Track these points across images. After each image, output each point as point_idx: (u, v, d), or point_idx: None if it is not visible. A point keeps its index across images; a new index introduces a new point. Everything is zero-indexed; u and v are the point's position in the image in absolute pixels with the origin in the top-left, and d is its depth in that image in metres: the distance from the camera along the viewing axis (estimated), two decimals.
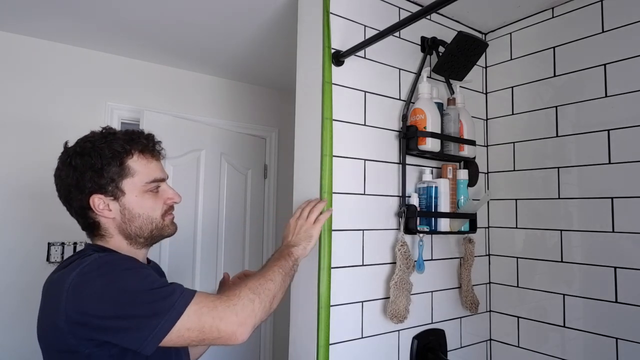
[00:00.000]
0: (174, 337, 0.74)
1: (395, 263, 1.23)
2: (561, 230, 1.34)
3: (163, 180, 0.92)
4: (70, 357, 0.77)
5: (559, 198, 1.35)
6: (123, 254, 0.86)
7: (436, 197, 1.29)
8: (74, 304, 0.74)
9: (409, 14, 1.24)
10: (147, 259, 1.00)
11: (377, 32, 1.18)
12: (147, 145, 0.89)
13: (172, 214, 0.95)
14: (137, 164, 0.87)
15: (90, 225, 0.88)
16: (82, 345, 0.75)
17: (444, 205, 1.30)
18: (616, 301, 1.20)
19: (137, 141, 0.88)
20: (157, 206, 0.90)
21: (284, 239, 1.07)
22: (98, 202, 0.85)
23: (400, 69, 1.34)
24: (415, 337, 1.30)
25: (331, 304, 1.13)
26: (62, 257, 1.91)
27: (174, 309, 0.75)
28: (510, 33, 1.52)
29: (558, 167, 1.35)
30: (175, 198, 0.93)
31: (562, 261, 1.33)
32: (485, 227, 1.55)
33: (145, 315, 0.73)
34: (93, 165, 0.83)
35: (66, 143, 0.89)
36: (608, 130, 1.24)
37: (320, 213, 1.09)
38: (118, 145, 0.85)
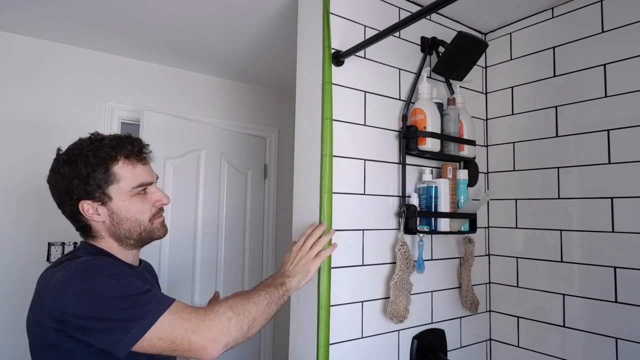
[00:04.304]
0: (145, 344, 0.76)
1: (395, 263, 1.23)
2: (561, 230, 1.34)
3: (150, 183, 0.93)
4: (52, 352, 0.80)
5: (558, 198, 1.35)
6: (110, 259, 0.87)
7: (436, 197, 1.29)
8: (56, 301, 0.77)
9: (409, 14, 1.24)
10: (140, 259, 1.02)
11: (377, 32, 1.18)
12: (132, 150, 0.90)
13: (161, 216, 0.96)
14: (122, 169, 0.88)
15: (83, 227, 0.91)
16: (63, 341, 0.78)
17: (444, 205, 1.30)
18: (616, 301, 1.20)
19: (123, 147, 0.89)
20: (145, 209, 0.91)
21: (282, 265, 1.05)
22: (87, 207, 0.87)
23: (400, 69, 1.34)
24: (415, 337, 1.30)
25: (331, 304, 1.13)
26: None
27: (148, 317, 0.76)
28: (510, 33, 1.52)
29: (558, 167, 1.35)
30: (163, 200, 0.94)
31: (562, 261, 1.33)
32: (485, 227, 1.55)
33: (120, 319, 0.75)
34: (79, 173, 0.86)
35: (58, 150, 0.91)
36: (608, 130, 1.24)
37: (324, 248, 1.06)
38: (104, 152, 0.87)
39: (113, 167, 0.88)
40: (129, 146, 0.90)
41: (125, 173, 0.89)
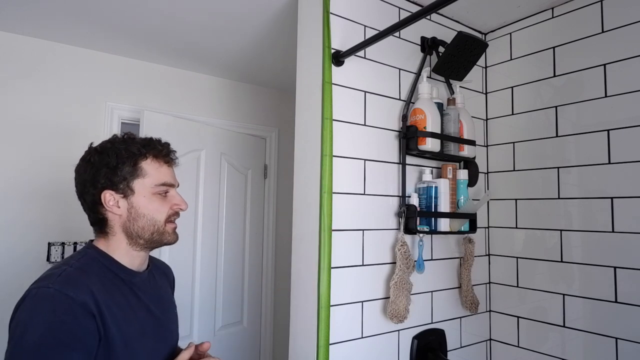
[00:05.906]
0: None
1: (395, 263, 1.23)
2: (561, 230, 1.34)
3: (172, 185, 0.97)
4: None
5: (558, 198, 1.35)
6: (77, 298, 0.80)
7: (436, 197, 1.29)
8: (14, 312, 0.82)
9: (409, 14, 1.24)
10: (153, 258, 1.04)
11: (377, 32, 1.18)
12: (161, 150, 0.96)
13: (175, 222, 0.98)
14: (149, 166, 0.93)
15: (99, 220, 0.92)
16: None
17: (444, 205, 1.30)
18: (616, 301, 1.20)
19: (153, 146, 0.95)
20: (163, 209, 0.94)
21: None
22: (109, 197, 0.90)
23: (400, 69, 1.34)
24: (415, 337, 1.30)
25: (331, 304, 1.13)
26: (62, 257, 1.91)
27: None
28: (510, 33, 1.52)
29: (558, 167, 1.35)
30: (181, 205, 0.97)
31: (562, 261, 1.33)
32: (485, 227, 1.55)
33: None
34: (109, 163, 0.89)
35: (91, 144, 0.95)
36: (608, 130, 1.24)
37: None
38: (135, 148, 0.92)
39: (141, 163, 0.92)
40: (159, 147, 0.96)
41: (151, 170, 0.93)
